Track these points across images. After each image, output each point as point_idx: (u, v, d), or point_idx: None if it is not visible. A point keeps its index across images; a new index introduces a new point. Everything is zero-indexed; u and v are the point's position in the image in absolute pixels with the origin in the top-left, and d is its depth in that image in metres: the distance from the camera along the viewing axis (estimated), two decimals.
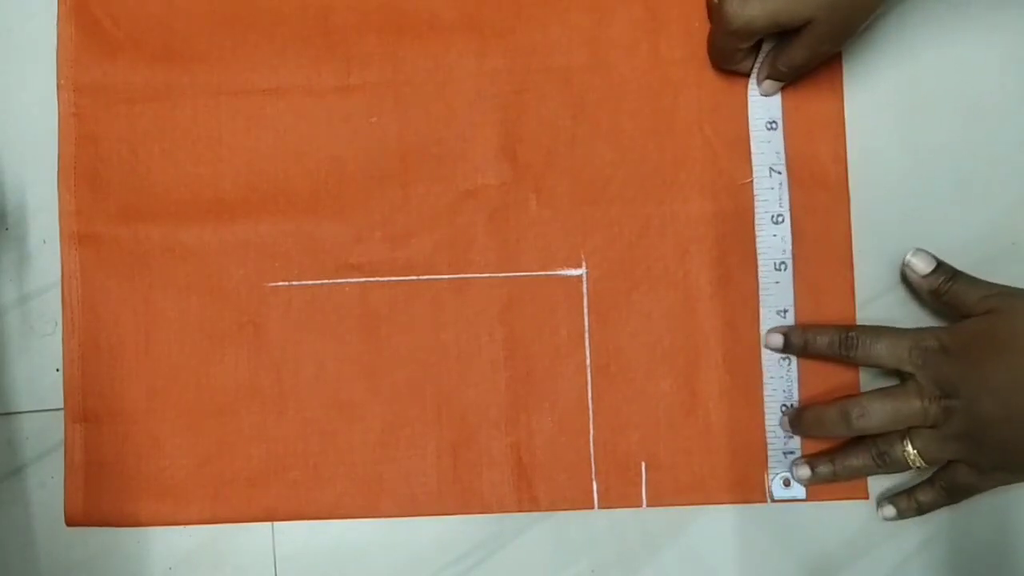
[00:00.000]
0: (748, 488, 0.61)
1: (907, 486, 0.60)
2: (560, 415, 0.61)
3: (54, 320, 0.62)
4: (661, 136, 0.62)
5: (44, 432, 0.62)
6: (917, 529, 0.61)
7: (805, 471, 0.60)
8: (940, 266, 0.59)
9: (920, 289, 0.59)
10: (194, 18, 0.63)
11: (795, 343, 0.60)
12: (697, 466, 0.61)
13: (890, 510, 0.60)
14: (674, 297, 0.62)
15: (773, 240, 0.61)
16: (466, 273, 0.62)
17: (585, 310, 0.62)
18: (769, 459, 0.61)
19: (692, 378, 0.61)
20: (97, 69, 0.63)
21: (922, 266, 0.59)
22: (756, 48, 0.60)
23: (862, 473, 0.59)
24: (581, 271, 0.62)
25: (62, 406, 0.62)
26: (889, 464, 0.57)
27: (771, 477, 0.61)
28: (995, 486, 0.57)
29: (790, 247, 0.61)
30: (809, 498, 0.61)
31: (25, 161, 0.63)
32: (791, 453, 0.61)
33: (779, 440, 0.61)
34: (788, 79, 0.60)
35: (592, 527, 0.61)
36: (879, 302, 0.61)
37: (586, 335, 0.62)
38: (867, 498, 0.61)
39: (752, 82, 0.61)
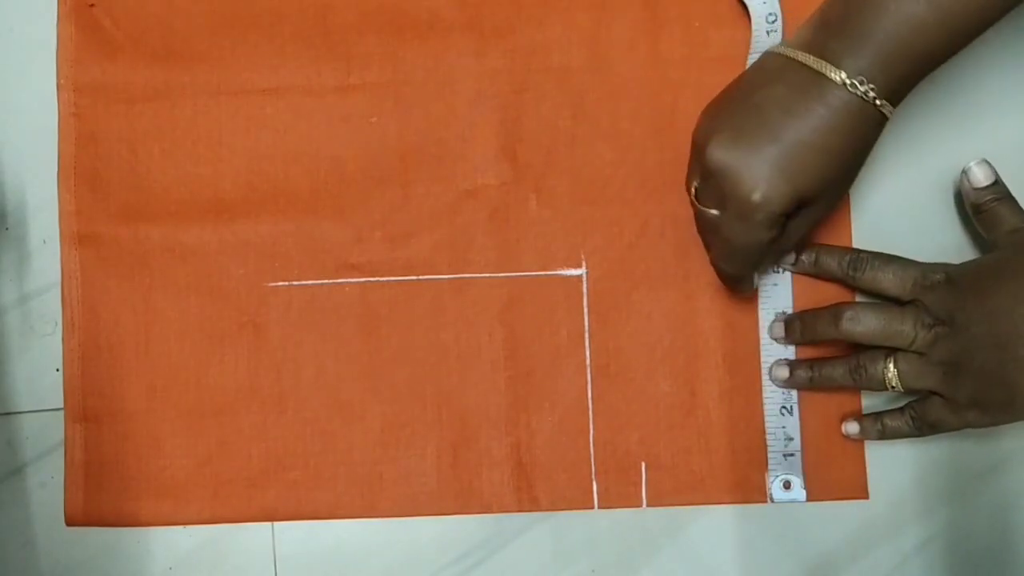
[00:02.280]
0: (748, 488, 0.61)
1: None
2: (560, 415, 0.61)
3: (54, 320, 0.62)
4: (661, 136, 0.62)
5: (44, 432, 0.62)
6: (917, 529, 0.61)
7: (783, 371, 0.60)
8: (996, 183, 0.59)
9: (967, 197, 0.59)
10: (194, 18, 0.63)
11: (805, 261, 0.61)
12: (697, 466, 0.61)
13: (854, 427, 0.60)
14: (674, 297, 0.62)
15: None
16: (466, 273, 0.62)
17: (585, 310, 0.62)
18: (769, 461, 0.61)
19: (692, 378, 0.61)
20: (97, 69, 0.63)
21: (981, 178, 0.59)
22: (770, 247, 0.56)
23: (838, 383, 0.59)
24: (581, 271, 0.62)
25: (62, 406, 0.62)
26: (866, 380, 0.57)
27: (771, 480, 0.61)
28: (965, 426, 0.56)
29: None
30: (809, 499, 0.61)
31: (25, 161, 0.63)
32: (791, 455, 0.61)
33: (779, 442, 0.61)
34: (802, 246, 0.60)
35: (592, 527, 0.61)
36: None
37: (586, 335, 0.62)
38: (867, 498, 0.61)
39: None
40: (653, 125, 0.62)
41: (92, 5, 0.63)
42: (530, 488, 0.61)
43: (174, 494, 0.61)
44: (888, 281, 0.57)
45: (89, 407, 0.62)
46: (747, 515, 0.61)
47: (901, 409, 0.58)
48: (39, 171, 0.63)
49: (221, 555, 0.62)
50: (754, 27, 0.61)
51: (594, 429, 0.61)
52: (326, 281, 0.62)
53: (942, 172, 0.62)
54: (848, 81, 0.50)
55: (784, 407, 0.61)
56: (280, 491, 0.61)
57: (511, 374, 0.62)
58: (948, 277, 0.55)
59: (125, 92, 0.63)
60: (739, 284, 0.59)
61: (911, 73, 0.51)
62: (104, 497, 0.61)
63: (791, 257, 0.60)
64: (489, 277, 0.62)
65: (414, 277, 0.62)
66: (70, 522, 0.61)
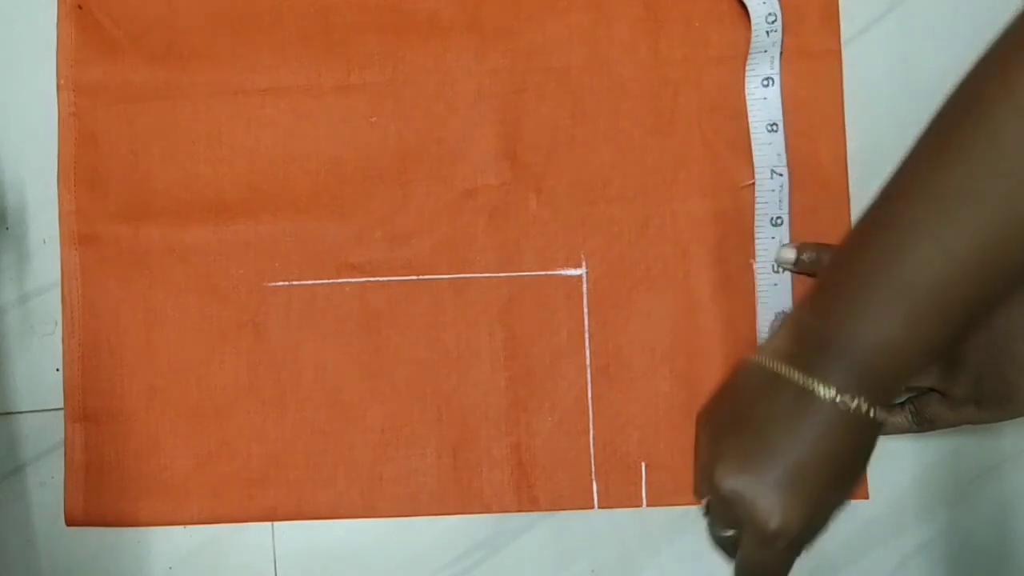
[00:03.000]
0: None
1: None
2: (560, 415, 0.61)
3: (54, 320, 0.62)
4: (661, 136, 0.62)
5: (44, 432, 0.62)
6: (917, 529, 0.61)
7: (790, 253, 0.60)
8: None
9: None
10: (194, 18, 0.63)
11: (805, 261, 0.60)
12: None
13: None
14: (674, 297, 0.62)
15: (771, 243, 0.61)
16: (466, 273, 0.62)
17: (585, 310, 0.62)
18: None
19: (692, 378, 0.61)
20: (97, 69, 0.63)
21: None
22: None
23: None
24: (581, 271, 0.62)
25: (62, 406, 0.62)
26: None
27: None
28: (963, 422, 0.56)
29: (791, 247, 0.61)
30: None
31: (25, 161, 0.63)
32: None
33: None
34: None
35: (592, 527, 0.62)
36: None
37: (586, 335, 0.62)
38: (867, 498, 0.61)
39: (749, 84, 0.61)
40: (653, 125, 0.62)
41: (80, 7, 0.63)
42: (530, 488, 0.61)
43: (174, 494, 0.61)
44: None
45: (89, 407, 0.62)
46: None
47: (901, 404, 0.58)
48: (39, 171, 0.63)
49: (221, 555, 0.62)
50: (754, 27, 0.61)
51: (594, 429, 0.61)
52: (326, 281, 0.62)
53: None
54: (839, 399, 0.48)
55: None
56: (280, 491, 0.61)
57: (511, 374, 0.62)
58: None
59: (125, 92, 0.63)
60: None
61: (897, 377, 0.49)
62: (104, 497, 0.61)
63: (791, 255, 0.60)
64: (489, 277, 0.62)
65: (414, 277, 0.62)
66: (70, 522, 0.61)
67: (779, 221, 0.61)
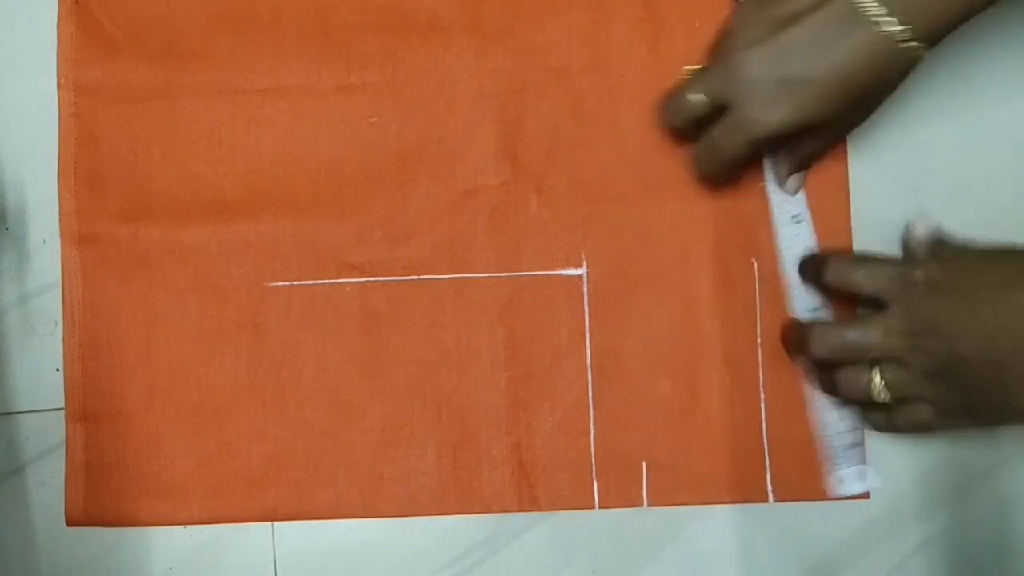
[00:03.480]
0: (748, 487, 0.61)
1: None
2: (561, 415, 0.61)
3: (54, 320, 0.62)
4: (661, 136, 0.62)
5: (44, 432, 0.62)
6: (917, 529, 0.61)
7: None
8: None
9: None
10: (194, 18, 0.63)
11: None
12: (698, 466, 0.61)
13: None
14: (674, 297, 0.62)
15: (795, 239, 0.61)
16: (466, 273, 0.62)
17: (586, 310, 0.62)
18: (834, 457, 0.61)
19: (692, 378, 0.61)
20: (97, 69, 0.63)
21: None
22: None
23: (827, 392, 0.59)
24: (582, 271, 0.62)
25: (62, 406, 0.62)
26: (852, 392, 0.57)
27: (840, 472, 0.61)
28: (953, 430, 0.56)
29: (814, 243, 0.61)
30: (809, 498, 0.61)
31: (25, 161, 0.63)
32: (857, 445, 0.61)
33: (841, 436, 0.61)
34: (809, 167, 0.60)
35: (592, 527, 0.61)
36: None
37: (587, 335, 0.62)
38: (868, 498, 0.61)
39: (769, 176, 0.61)
40: (654, 124, 0.62)
41: (77, 1, 0.63)
42: (531, 488, 0.61)
43: (174, 494, 0.61)
44: (859, 283, 0.56)
45: (90, 407, 0.62)
46: (747, 515, 0.61)
47: (888, 407, 0.58)
48: (39, 171, 0.63)
49: (221, 555, 0.62)
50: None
51: (595, 429, 0.61)
52: (326, 281, 0.62)
53: (940, 161, 0.62)
54: (883, 20, 0.50)
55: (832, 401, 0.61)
56: (280, 491, 0.61)
57: (511, 374, 0.61)
58: (929, 279, 0.54)
59: (125, 92, 0.63)
60: (708, 181, 0.60)
61: (953, 14, 0.50)
62: (105, 497, 0.61)
63: (797, 182, 0.61)
64: (489, 277, 0.62)
65: (414, 277, 0.62)
66: (71, 522, 0.61)
67: (800, 219, 0.61)
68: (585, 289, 0.62)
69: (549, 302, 0.62)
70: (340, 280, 0.62)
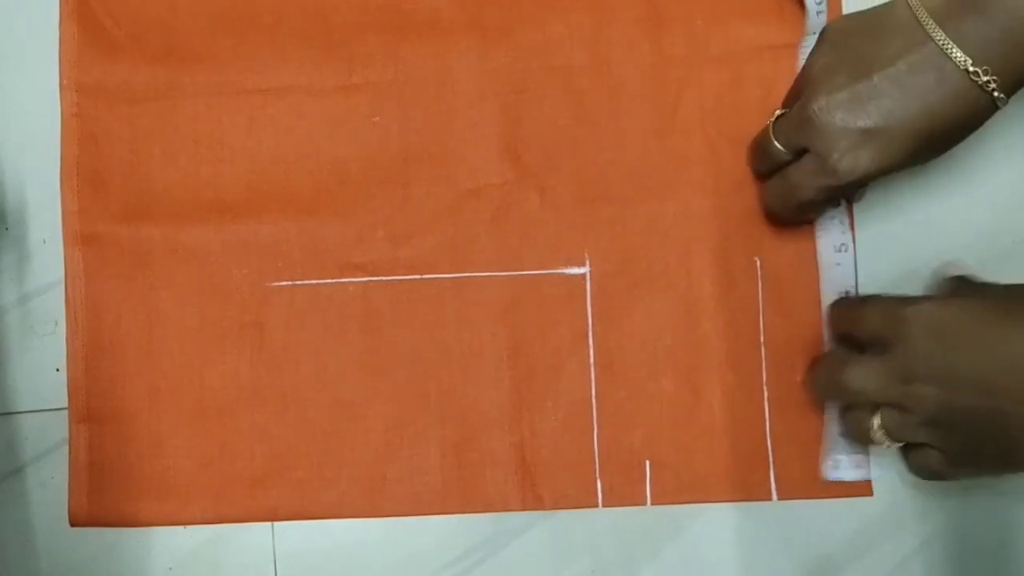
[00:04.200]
0: (751, 486, 0.61)
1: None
2: (563, 414, 0.61)
3: (54, 320, 0.62)
4: (663, 135, 0.62)
5: (44, 432, 0.62)
6: (917, 529, 0.61)
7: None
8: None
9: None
10: (195, 18, 0.63)
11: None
12: (701, 464, 0.61)
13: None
14: (677, 295, 0.62)
15: (837, 269, 0.61)
16: (468, 272, 0.62)
17: (588, 309, 0.62)
18: (828, 444, 0.61)
19: (695, 376, 0.61)
20: (99, 69, 0.63)
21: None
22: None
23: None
24: (584, 270, 0.62)
25: (62, 406, 0.62)
26: (854, 434, 0.57)
27: (833, 461, 0.61)
28: (964, 478, 0.56)
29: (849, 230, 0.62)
30: (813, 497, 0.61)
31: (25, 161, 0.63)
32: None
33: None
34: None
35: (593, 527, 0.61)
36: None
37: (589, 334, 0.62)
38: (871, 495, 0.61)
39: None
40: (655, 124, 0.62)
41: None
42: (534, 487, 0.61)
43: (177, 494, 0.61)
44: (858, 325, 0.56)
45: (92, 407, 0.62)
46: (748, 514, 0.61)
47: (904, 452, 0.58)
48: (40, 171, 0.63)
49: (221, 555, 0.62)
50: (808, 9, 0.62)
51: (598, 428, 0.61)
52: (328, 281, 0.62)
53: (944, 171, 0.63)
54: (972, 70, 0.50)
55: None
56: (283, 491, 0.61)
57: (514, 373, 0.62)
58: (929, 321, 0.53)
59: (127, 92, 0.63)
60: (777, 219, 0.60)
61: None
62: (107, 498, 0.61)
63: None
64: (492, 276, 0.62)
65: (416, 276, 0.62)
66: (74, 523, 0.61)
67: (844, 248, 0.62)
68: (587, 288, 0.62)
69: (551, 301, 0.62)
70: (342, 280, 0.62)
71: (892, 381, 0.53)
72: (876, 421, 0.55)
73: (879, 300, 0.56)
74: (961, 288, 0.56)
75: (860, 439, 0.57)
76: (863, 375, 0.54)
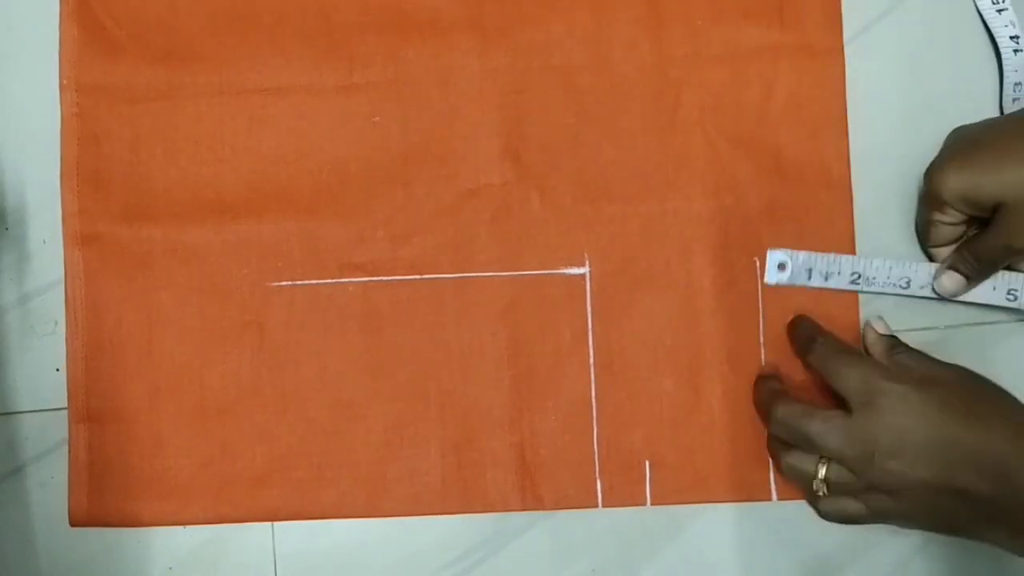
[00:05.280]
0: (752, 486, 0.61)
1: None
2: (564, 414, 0.61)
3: (54, 320, 0.62)
4: (663, 134, 0.62)
5: (44, 432, 0.62)
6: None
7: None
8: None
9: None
10: (196, 18, 0.63)
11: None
12: (701, 464, 0.61)
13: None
14: (677, 295, 0.62)
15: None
16: (469, 272, 0.62)
17: (588, 309, 0.62)
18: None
19: (695, 376, 0.61)
20: (99, 69, 0.63)
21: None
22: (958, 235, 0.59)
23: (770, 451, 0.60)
24: (584, 270, 0.62)
25: (62, 406, 0.62)
26: (795, 476, 0.57)
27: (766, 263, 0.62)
28: (881, 523, 0.57)
29: None
30: None
31: (25, 161, 0.63)
32: None
33: None
34: (972, 274, 0.59)
35: (593, 527, 0.62)
36: (881, 300, 0.62)
37: (589, 334, 0.62)
38: None
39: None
40: (655, 123, 0.62)
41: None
42: (534, 487, 0.61)
43: (177, 494, 0.61)
44: (834, 377, 0.56)
45: (92, 407, 0.62)
46: (747, 514, 0.61)
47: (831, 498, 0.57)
48: (40, 171, 0.63)
49: (221, 555, 0.62)
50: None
51: (598, 428, 0.61)
52: (329, 281, 0.62)
53: None
54: None
55: None
56: (283, 491, 0.61)
57: (514, 373, 0.62)
58: (903, 404, 0.54)
59: (127, 92, 0.63)
60: (921, 237, 0.61)
61: None
62: (108, 498, 0.61)
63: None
64: (492, 276, 0.62)
65: (417, 276, 0.62)
66: (74, 523, 0.61)
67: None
68: (587, 288, 0.62)
69: (551, 301, 0.62)
70: (343, 280, 0.62)
71: (853, 444, 0.54)
72: (822, 471, 0.55)
73: (854, 358, 0.57)
74: (900, 350, 0.58)
75: (796, 479, 0.57)
76: (826, 431, 0.55)
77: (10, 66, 0.64)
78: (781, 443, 0.58)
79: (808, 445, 0.55)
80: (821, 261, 0.61)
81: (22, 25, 0.64)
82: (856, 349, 0.59)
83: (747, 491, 0.61)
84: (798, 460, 0.56)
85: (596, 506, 0.61)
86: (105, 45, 0.63)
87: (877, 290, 0.61)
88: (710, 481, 0.61)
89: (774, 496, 0.61)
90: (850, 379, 0.55)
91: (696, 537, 0.62)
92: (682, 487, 0.61)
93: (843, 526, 0.60)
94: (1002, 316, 0.62)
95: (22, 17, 0.64)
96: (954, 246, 0.60)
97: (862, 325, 0.61)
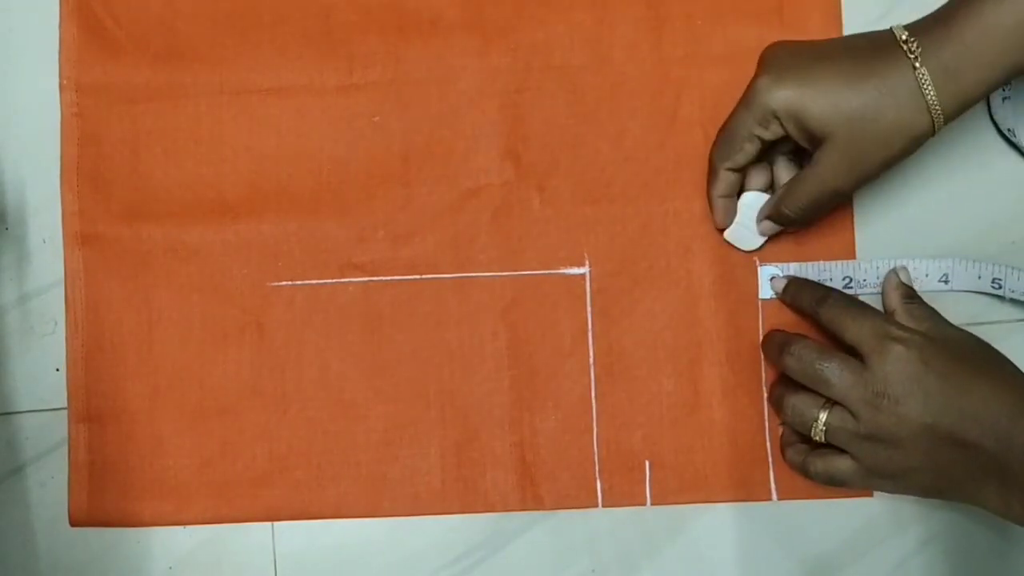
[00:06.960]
0: (752, 486, 0.61)
1: None
2: (564, 414, 0.61)
3: (54, 320, 0.62)
4: (663, 134, 0.62)
5: (44, 432, 0.62)
6: (917, 529, 0.61)
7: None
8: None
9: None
10: (196, 18, 0.63)
11: (787, 291, 0.61)
12: (701, 464, 0.61)
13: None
14: (676, 295, 0.62)
15: None
16: (469, 272, 0.62)
17: (588, 309, 0.62)
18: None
19: (695, 376, 0.61)
20: (99, 69, 0.63)
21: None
22: (758, 156, 0.59)
23: (775, 405, 0.60)
24: (584, 270, 0.62)
25: (62, 406, 0.62)
26: (795, 420, 0.57)
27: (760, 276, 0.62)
28: (866, 488, 0.57)
29: None
30: (813, 497, 0.61)
31: (25, 161, 0.63)
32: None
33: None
34: (789, 222, 0.59)
35: (593, 527, 0.62)
36: (876, 301, 0.61)
37: (589, 334, 0.62)
38: (871, 495, 0.61)
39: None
40: (655, 123, 0.62)
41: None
42: (534, 487, 0.61)
43: (178, 494, 0.61)
44: (846, 328, 0.57)
45: (92, 407, 0.62)
46: (747, 514, 0.61)
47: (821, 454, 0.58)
48: (40, 171, 0.63)
49: (221, 555, 0.62)
50: None
51: (598, 428, 0.61)
52: (329, 281, 0.62)
53: (943, 174, 0.62)
54: (926, 82, 0.52)
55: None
56: (284, 491, 0.61)
57: (514, 373, 0.62)
58: (915, 353, 0.55)
59: (127, 92, 0.63)
60: (713, 176, 0.60)
61: (976, 89, 0.53)
62: (108, 498, 0.61)
63: (781, 284, 0.61)
64: (492, 276, 0.62)
65: (417, 276, 0.62)
66: (74, 523, 0.61)
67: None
68: (587, 288, 0.62)
69: (551, 301, 0.62)
70: (343, 280, 0.62)
71: (863, 388, 0.54)
72: (823, 416, 0.56)
73: (865, 311, 0.57)
74: (915, 300, 0.59)
75: (796, 422, 0.57)
76: (841, 370, 0.55)
77: (10, 66, 0.64)
78: (787, 386, 0.58)
79: (819, 383, 0.56)
80: (812, 269, 0.61)
81: (22, 25, 0.64)
82: (867, 304, 0.58)
83: (747, 491, 0.61)
84: (802, 402, 0.57)
85: (596, 506, 0.61)
86: (105, 45, 0.63)
87: (871, 291, 0.61)
88: (710, 481, 0.61)
89: (774, 496, 0.61)
90: (863, 328, 0.56)
91: (696, 537, 0.62)
92: (682, 487, 0.61)
93: (843, 526, 0.60)
94: (1002, 316, 0.62)
95: (22, 17, 0.64)
96: (732, 200, 0.60)
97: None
